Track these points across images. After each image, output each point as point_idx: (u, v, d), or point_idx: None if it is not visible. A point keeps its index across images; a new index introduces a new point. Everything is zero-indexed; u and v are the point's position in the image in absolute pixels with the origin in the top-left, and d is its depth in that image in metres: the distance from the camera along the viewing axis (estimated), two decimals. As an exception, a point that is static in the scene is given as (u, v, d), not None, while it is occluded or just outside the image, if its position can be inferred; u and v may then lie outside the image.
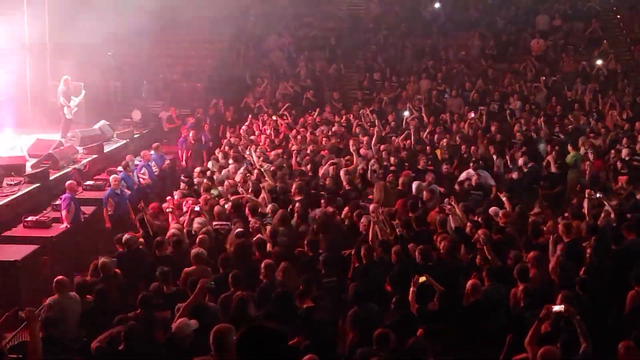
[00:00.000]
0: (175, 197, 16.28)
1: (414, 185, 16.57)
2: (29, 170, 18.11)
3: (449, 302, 9.91)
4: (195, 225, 13.66)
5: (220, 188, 16.79)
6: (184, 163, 22.32)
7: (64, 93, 22.09)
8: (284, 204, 14.84)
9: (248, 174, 17.47)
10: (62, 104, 22.07)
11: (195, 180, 17.67)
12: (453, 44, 31.54)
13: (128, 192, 17.30)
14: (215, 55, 30.84)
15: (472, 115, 23.96)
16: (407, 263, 11.43)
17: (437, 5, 33.59)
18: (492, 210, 14.19)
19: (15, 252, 13.91)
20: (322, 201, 14.97)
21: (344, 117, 24.54)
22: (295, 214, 14.14)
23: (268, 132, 23.04)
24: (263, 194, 15.38)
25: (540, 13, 32.12)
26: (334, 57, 31.02)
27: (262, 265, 10.93)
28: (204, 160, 21.41)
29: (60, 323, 10.11)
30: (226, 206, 14.74)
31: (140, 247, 12.87)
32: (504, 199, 14.67)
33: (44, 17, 25.69)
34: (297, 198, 15.02)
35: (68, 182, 16.44)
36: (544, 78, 27.72)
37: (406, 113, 24.20)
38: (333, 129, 22.56)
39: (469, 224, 13.07)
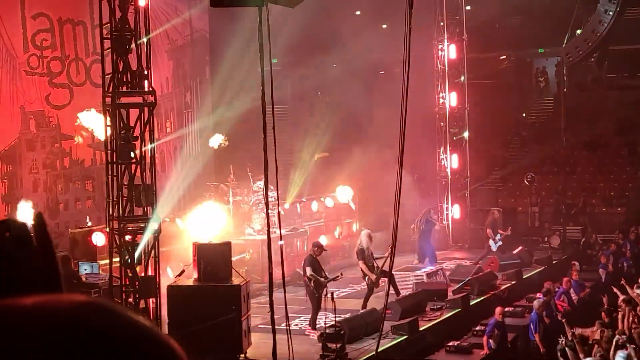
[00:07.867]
0: (596, 327, 15.78)
1: None
2: (450, 295, 18.75)
3: None
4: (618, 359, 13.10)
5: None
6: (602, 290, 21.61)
7: (491, 225, 22.98)
8: None
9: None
10: (489, 235, 22.95)
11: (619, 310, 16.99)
12: None
13: (548, 320, 17.15)
14: (636, 179, 29.94)
15: None
16: None
17: None
18: None
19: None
20: None
21: None
22: None
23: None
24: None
25: None
26: None
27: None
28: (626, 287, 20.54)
29: None
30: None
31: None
32: None
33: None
34: None
35: (496, 308, 16.68)
36: None
37: None
38: None
39: None
